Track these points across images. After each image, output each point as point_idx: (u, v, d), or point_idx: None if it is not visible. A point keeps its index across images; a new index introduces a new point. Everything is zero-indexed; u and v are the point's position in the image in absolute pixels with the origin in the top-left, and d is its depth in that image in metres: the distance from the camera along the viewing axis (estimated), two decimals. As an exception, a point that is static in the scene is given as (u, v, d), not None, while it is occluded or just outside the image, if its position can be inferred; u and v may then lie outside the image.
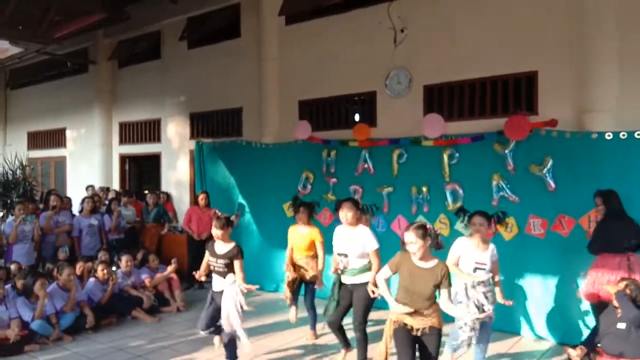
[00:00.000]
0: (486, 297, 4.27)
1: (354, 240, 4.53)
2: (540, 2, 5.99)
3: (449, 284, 3.53)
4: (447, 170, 6.19)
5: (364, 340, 4.53)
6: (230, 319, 4.40)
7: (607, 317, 4.13)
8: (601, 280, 4.65)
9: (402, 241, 3.79)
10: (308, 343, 5.46)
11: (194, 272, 4.84)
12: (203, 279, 4.80)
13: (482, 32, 6.40)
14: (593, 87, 5.55)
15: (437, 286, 3.51)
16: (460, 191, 6.09)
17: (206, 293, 4.86)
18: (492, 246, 4.46)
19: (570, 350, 4.23)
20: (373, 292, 4.31)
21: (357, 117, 7.79)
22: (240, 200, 8.16)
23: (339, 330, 4.74)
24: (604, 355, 4.08)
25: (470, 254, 4.42)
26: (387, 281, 3.80)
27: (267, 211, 7.76)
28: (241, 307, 4.40)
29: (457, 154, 6.14)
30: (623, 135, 5.04)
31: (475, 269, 4.36)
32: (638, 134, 4.97)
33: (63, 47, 11.77)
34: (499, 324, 5.62)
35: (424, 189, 6.37)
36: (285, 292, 5.38)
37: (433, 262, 3.56)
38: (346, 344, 4.79)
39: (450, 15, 6.66)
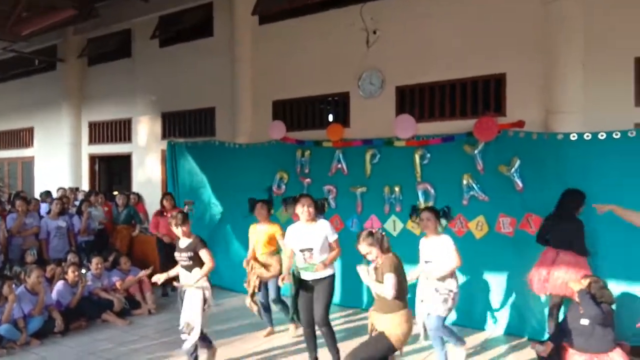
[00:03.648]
0: (440, 293, 4.40)
1: (316, 234, 4.51)
2: (509, 7, 6.13)
3: (387, 269, 3.54)
4: (419, 171, 6.28)
5: (331, 334, 4.51)
6: (191, 314, 4.41)
7: (571, 313, 4.25)
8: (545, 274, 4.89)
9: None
10: (285, 342, 5.45)
11: (156, 279, 4.75)
12: (160, 280, 4.71)
13: (453, 35, 6.52)
14: (559, 89, 5.71)
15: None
16: (432, 191, 6.18)
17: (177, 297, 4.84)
18: (442, 239, 4.55)
19: (538, 346, 4.33)
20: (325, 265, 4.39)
21: (330, 118, 7.83)
22: (214, 200, 8.11)
23: (313, 335, 4.69)
24: (570, 350, 4.19)
25: (423, 250, 4.66)
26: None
27: (241, 211, 7.70)
28: (205, 302, 4.42)
29: (428, 155, 6.23)
30: (587, 136, 5.20)
31: (426, 262, 4.59)
32: (601, 135, 5.12)
33: (30, 45, 11.49)
34: (469, 320, 5.79)
35: (397, 189, 6.44)
36: (250, 307, 5.46)
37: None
38: (314, 352, 4.73)
39: (421, 17, 6.76)
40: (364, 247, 3.61)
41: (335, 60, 7.50)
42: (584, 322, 4.01)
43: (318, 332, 4.60)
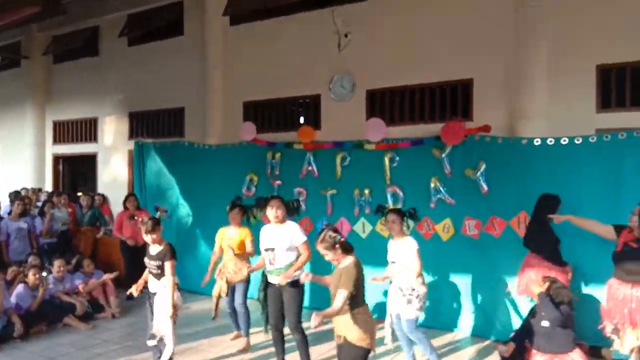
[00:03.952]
0: (404, 295, 4.45)
1: (281, 235, 4.49)
2: (478, 14, 6.26)
3: (344, 287, 3.39)
4: (389, 174, 6.32)
5: (304, 341, 4.48)
6: (160, 324, 4.32)
7: (534, 315, 4.34)
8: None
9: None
10: (252, 343, 5.38)
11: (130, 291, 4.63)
12: (135, 293, 4.58)
13: (423, 40, 6.62)
14: (524, 95, 5.86)
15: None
16: (401, 194, 6.24)
17: (141, 301, 4.74)
18: (406, 242, 4.58)
19: (500, 347, 4.41)
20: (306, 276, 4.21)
21: (301, 120, 7.82)
22: (182, 202, 8.00)
23: (281, 339, 4.67)
24: (532, 351, 4.28)
25: (390, 250, 4.71)
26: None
27: (210, 214, 7.63)
28: (174, 311, 4.32)
29: (397, 158, 6.28)
30: (550, 141, 5.33)
31: (392, 263, 4.66)
32: (564, 140, 5.26)
33: (-8, 40, 11.15)
34: (436, 321, 5.85)
35: (366, 191, 6.48)
36: (212, 306, 5.39)
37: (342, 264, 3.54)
38: (282, 355, 4.71)
39: (392, 23, 6.84)
40: (320, 249, 3.55)
41: (307, 63, 7.51)
42: (545, 323, 4.10)
43: (290, 336, 4.57)
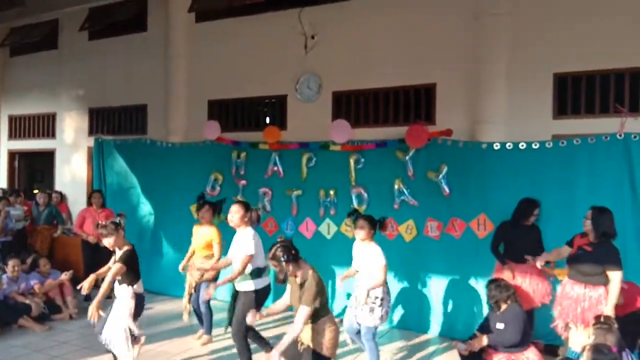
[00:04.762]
0: (366, 303, 4.42)
1: (235, 244, 4.49)
2: (441, 19, 6.39)
3: (306, 304, 3.38)
4: (354, 175, 6.39)
5: (243, 348, 4.41)
6: (111, 331, 4.26)
7: (491, 316, 4.45)
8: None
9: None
10: (217, 346, 5.36)
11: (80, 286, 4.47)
12: (85, 292, 4.40)
13: (388, 44, 6.70)
14: (484, 100, 6.02)
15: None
16: (365, 195, 6.32)
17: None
18: (373, 250, 4.52)
19: (459, 345, 4.50)
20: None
21: (267, 120, 7.80)
22: (143, 201, 7.85)
23: (253, 337, 4.63)
24: (489, 349, 4.40)
25: (355, 253, 4.72)
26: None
27: (173, 213, 7.53)
28: (130, 330, 4.26)
29: (362, 159, 6.35)
30: (509, 145, 5.52)
31: (357, 270, 4.66)
32: (522, 145, 5.46)
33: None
34: (398, 321, 5.96)
35: (332, 192, 6.53)
36: (184, 303, 5.36)
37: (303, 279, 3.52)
38: (265, 344, 4.68)
39: (358, 25, 6.90)
40: (271, 264, 3.52)
41: (274, 63, 7.49)
42: (500, 325, 4.22)
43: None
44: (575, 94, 5.75)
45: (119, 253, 4.37)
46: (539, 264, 4.61)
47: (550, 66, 5.83)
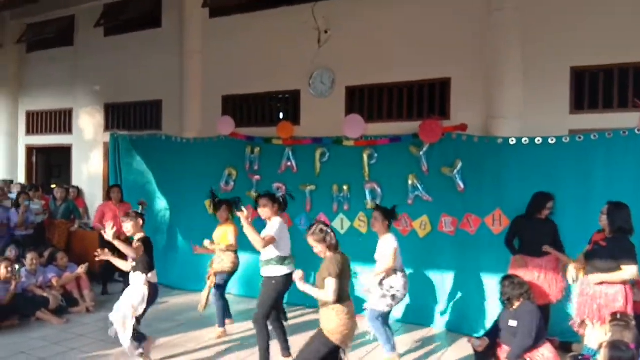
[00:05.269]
0: (381, 289, 4.56)
1: (264, 231, 4.61)
2: (456, 14, 6.34)
3: (331, 274, 3.46)
4: (367, 170, 6.37)
5: (261, 334, 4.48)
6: (118, 315, 4.46)
7: (504, 312, 4.42)
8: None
9: None
10: (230, 338, 5.42)
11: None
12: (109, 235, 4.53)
13: (402, 39, 6.67)
14: (500, 95, 5.96)
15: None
16: (379, 190, 6.30)
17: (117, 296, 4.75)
18: (385, 239, 4.68)
19: (474, 341, 4.48)
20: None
21: (281, 115, 7.81)
22: (159, 196, 7.92)
23: (278, 329, 4.70)
24: (503, 346, 4.37)
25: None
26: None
27: (188, 208, 7.58)
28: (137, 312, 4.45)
29: (376, 155, 6.33)
30: (525, 141, 5.44)
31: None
32: (538, 140, 5.38)
33: (-37, 27, 10.82)
34: (412, 316, 5.94)
35: (345, 187, 6.51)
36: (204, 295, 5.42)
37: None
38: (285, 347, 4.71)
39: (372, 20, 6.87)
40: (311, 240, 3.62)
41: (287, 58, 7.49)
42: (512, 323, 4.18)
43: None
44: (593, 88, 5.67)
45: (136, 238, 4.58)
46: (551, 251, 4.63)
47: (567, 60, 5.76)
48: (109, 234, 4.45)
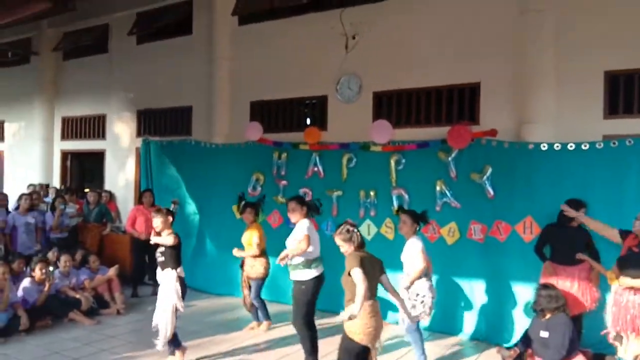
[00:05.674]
0: (408, 298, 4.53)
1: (292, 234, 4.71)
2: (485, 17, 6.25)
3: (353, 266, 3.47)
4: (394, 176, 6.33)
5: (304, 337, 4.54)
6: (160, 314, 4.56)
7: (535, 322, 4.32)
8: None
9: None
10: (258, 340, 5.50)
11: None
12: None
13: (430, 43, 6.61)
14: (531, 99, 5.84)
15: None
16: (406, 196, 6.24)
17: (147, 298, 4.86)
18: (411, 242, 4.68)
19: (503, 351, 4.41)
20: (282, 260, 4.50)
21: (308, 121, 7.84)
22: (189, 200, 8.04)
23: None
24: (534, 357, 4.27)
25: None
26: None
27: (217, 213, 7.68)
28: (176, 307, 4.55)
29: (403, 160, 6.28)
30: (557, 146, 5.31)
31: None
32: (571, 146, 5.24)
33: (4, 36, 11.23)
34: (439, 324, 5.85)
35: (372, 193, 6.48)
36: (244, 297, 5.75)
37: None
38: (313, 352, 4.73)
39: (399, 24, 6.84)
40: (338, 240, 3.69)
41: (314, 64, 7.53)
42: (544, 334, 4.09)
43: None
44: (628, 92, 5.50)
45: (165, 233, 4.71)
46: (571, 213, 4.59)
47: (600, 63, 5.61)
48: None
